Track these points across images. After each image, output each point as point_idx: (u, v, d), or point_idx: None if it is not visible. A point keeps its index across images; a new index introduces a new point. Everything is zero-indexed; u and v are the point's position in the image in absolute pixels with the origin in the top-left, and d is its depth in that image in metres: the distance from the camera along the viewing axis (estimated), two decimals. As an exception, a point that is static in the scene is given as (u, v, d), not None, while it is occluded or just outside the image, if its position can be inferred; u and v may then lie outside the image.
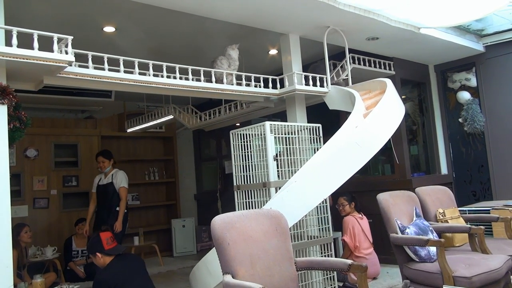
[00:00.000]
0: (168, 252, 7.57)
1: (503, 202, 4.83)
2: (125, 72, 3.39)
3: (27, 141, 6.51)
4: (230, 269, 2.33)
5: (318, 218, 3.99)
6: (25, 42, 2.83)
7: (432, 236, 3.27)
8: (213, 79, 3.91)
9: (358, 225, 4.43)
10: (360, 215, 4.56)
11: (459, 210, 4.04)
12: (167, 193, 8.21)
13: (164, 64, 3.59)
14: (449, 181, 5.88)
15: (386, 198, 3.43)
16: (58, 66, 2.90)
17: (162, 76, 3.60)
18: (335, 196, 4.56)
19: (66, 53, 2.93)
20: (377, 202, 3.42)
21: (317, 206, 3.92)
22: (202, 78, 3.82)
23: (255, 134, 3.86)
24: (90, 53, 3.24)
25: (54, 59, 2.85)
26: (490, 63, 5.67)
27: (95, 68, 3.28)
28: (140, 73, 3.47)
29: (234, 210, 3.76)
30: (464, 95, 5.85)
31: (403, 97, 5.78)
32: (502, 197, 5.42)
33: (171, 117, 6.21)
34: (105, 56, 3.32)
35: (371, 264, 4.33)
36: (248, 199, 3.81)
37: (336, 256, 4.71)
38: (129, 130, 7.10)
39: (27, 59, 2.75)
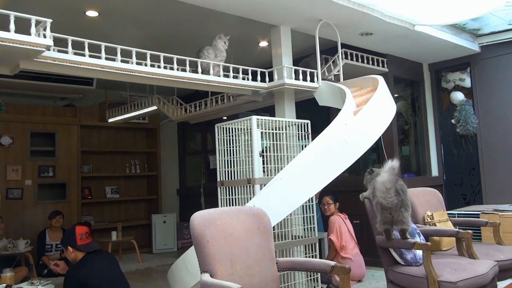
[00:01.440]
0: (147, 248, 7.56)
1: (493, 207, 4.89)
2: (106, 59, 3.36)
3: (1, 128, 6.42)
4: (208, 267, 2.32)
5: (303, 217, 4.01)
6: (0, 23, 2.78)
7: (419, 239, 3.29)
8: (199, 69, 3.90)
9: (344, 225, 4.47)
10: (344, 215, 4.61)
11: (448, 214, 4.08)
12: (149, 187, 8.19)
13: (148, 52, 3.56)
14: (439, 184, 5.95)
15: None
16: (35, 50, 2.86)
17: (145, 65, 3.58)
18: (319, 195, 4.58)
19: (45, 36, 2.89)
20: (364, 202, 3.40)
21: (302, 205, 3.94)
22: (187, 68, 3.81)
23: (241, 129, 3.86)
24: (70, 38, 3.20)
25: (31, 43, 2.81)
26: (485, 64, 5.73)
27: (75, 53, 3.24)
28: (122, 61, 3.44)
29: (218, 206, 3.78)
30: (458, 96, 5.91)
31: (395, 95, 5.83)
32: (492, 201, 5.49)
33: (154, 108, 6.19)
34: (86, 41, 3.28)
35: (357, 265, 4.37)
36: (232, 195, 3.82)
37: (321, 257, 4.75)
38: (110, 120, 7.05)
39: (2, 41, 2.71)
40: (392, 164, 2.94)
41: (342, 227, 4.44)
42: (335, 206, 4.65)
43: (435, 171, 6.08)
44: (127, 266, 6.22)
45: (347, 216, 4.63)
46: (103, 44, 3.33)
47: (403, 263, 3.21)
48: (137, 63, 3.53)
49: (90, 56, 3.29)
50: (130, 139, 8.08)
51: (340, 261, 4.34)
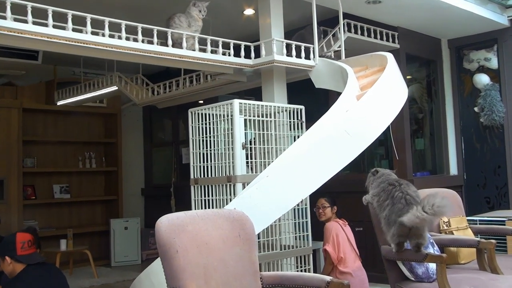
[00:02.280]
0: (105, 260, 7.54)
1: (521, 212, 4.98)
2: (54, 27, 3.32)
3: None
4: (177, 283, 2.32)
5: (294, 223, 4.03)
6: None
7: (433, 250, 3.32)
8: (169, 42, 3.88)
9: (343, 232, 4.47)
10: (343, 221, 4.63)
11: (468, 220, 4.12)
12: (107, 186, 8.16)
13: (107, 19, 3.53)
14: (458, 184, 6.01)
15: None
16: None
17: (103, 35, 3.54)
18: (314, 196, 4.57)
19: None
20: (368, 205, 3.44)
21: (293, 209, 3.95)
22: (155, 40, 3.79)
23: (220, 115, 3.85)
24: (8, 0, 3.16)
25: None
26: (515, 41, 5.79)
27: (16, 20, 3.20)
28: (74, 30, 3.40)
29: (191, 209, 3.80)
30: (482, 79, 5.96)
31: (408, 77, 5.86)
32: (521, 206, 5.59)
33: (115, 88, 6.15)
34: (29, 4, 3.24)
35: (358, 282, 4.38)
36: (208, 196, 3.82)
37: (316, 272, 4.77)
38: (59, 103, 7.00)
39: None
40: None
41: (340, 236, 4.44)
42: (332, 210, 4.65)
43: (453, 169, 6.13)
44: (79, 282, 6.20)
45: (346, 223, 4.65)
46: (50, 9, 3.29)
47: (413, 278, 3.25)
48: (93, 33, 3.49)
49: (34, 23, 3.25)
50: (84, 127, 8.02)
51: (338, 276, 4.33)
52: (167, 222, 2.42)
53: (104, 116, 8.16)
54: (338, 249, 4.41)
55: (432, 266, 3.24)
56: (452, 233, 3.77)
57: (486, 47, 5.97)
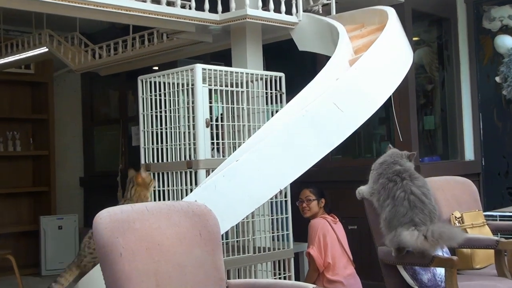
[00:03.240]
0: (33, 269, 7.50)
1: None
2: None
3: None
4: (122, 294, 2.31)
5: (271, 220, 4.04)
6: None
7: (442, 252, 3.31)
8: (113, -10, 3.85)
9: (332, 232, 4.50)
10: (333, 218, 4.65)
11: (486, 215, 4.15)
12: (36, 175, 8.09)
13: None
14: (475, 172, 6.02)
15: None
16: None
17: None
18: (296, 187, 4.58)
19: None
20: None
21: (270, 202, 3.96)
22: (95, -13, 3.74)
23: (179, 84, 3.83)
24: None
25: None
26: (546, -6, 5.83)
27: None
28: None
29: (141, 203, 3.77)
30: (506, 41, 6.00)
31: (414, 39, 5.83)
32: (550, 199, 5.67)
33: (45, 50, 6.08)
34: None
35: (351, 292, 4.47)
36: (163, 186, 3.82)
37: (299, 279, 4.78)
38: (-29, 69, 6.92)
39: None
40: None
41: (329, 236, 4.46)
42: (319, 204, 4.68)
43: (469, 154, 6.15)
44: (0, 295, 6.14)
45: (337, 219, 4.68)
46: None
47: (417, 287, 3.27)
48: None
49: None
50: (6, 99, 7.89)
51: (326, 285, 4.38)
52: (108, 218, 2.39)
53: (32, 86, 8.05)
54: (325, 252, 4.44)
55: (440, 271, 3.27)
56: (466, 231, 3.77)
57: (511, 2, 6.00)
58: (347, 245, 4.59)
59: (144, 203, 2.69)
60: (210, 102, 3.83)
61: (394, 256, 3.21)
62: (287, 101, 3.67)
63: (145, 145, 3.93)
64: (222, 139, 3.96)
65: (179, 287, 2.46)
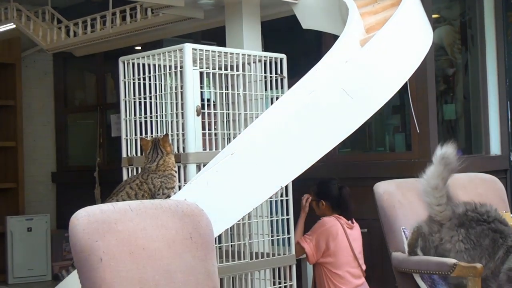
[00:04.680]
0: (-1, 276, 7.49)
1: None
2: None
3: None
4: (101, 304, 2.32)
5: (271, 221, 4.05)
6: None
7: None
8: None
9: (343, 235, 4.48)
10: (350, 223, 4.63)
11: (515, 218, 4.23)
12: (1, 169, 8.06)
13: None
14: (502, 168, 6.03)
15: (390, 191, 3.49)
16: None
17: None
18: (297, 184, 4.57)
19: None
20: (374, 198, 3.50)
21: (270, 201, 3.97)
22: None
23: (165, 66, 3.81)
24: None
25: None
26: None
27: None
28: None
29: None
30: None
31: (434, 16, 5.79)
32: None
33: (11, 26, 6.17)
34: None
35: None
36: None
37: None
38: None
39: None
40: (443, 152, 3.13)
41: (339, 238, 4.45)
42: (319, 205, 4.70)
43: (495, 148, 6.13)
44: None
45: (354, 224, 4.67)
46: None
47: (435, 298, 3.27)
48: None
49: None
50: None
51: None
52: (86, 218, 2.40)
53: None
54: (322, 255, 4.48)
55: (461, 281, 3.27)
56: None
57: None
58: (361, 253, 4.58)
59: (127, 202, 2.67)
60: (201, 87, 3.81)
61: (407, 255, 3.28)
62: (289, 87, 3.63)
63: (127, 136, 3.91)
64: (214, 130, 3.89)
65: (167, 298, 2.40)
